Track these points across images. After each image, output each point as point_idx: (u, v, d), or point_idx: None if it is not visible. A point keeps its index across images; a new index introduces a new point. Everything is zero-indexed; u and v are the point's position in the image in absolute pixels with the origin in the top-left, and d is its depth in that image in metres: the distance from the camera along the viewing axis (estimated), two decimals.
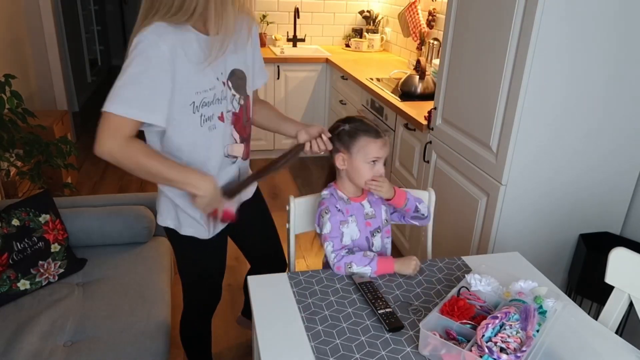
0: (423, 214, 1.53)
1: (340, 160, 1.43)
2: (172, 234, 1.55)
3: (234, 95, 1.43)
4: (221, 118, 1.40)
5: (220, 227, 1.56)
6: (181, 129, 1.34)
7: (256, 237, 1.80)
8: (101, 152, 1.26)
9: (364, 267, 1.37)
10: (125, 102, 1.22)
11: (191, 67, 1.29)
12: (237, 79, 1.43)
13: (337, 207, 1.44)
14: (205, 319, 1.82)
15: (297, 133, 1.51)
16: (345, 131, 1.42)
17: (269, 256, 1.85)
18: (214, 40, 1.30)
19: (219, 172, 1.45)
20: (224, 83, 1.38)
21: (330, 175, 1.53)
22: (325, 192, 1.48)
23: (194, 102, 1.32)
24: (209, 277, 1.67)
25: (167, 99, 1.27)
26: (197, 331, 1.85)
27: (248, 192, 1.65)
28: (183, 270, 1.67)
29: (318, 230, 1.48)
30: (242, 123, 1.48)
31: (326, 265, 1.56)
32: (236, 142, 1.48)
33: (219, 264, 1.67)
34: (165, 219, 1.52)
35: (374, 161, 1.40)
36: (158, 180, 1.36)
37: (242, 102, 1.46)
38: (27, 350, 1.52)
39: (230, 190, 1.44)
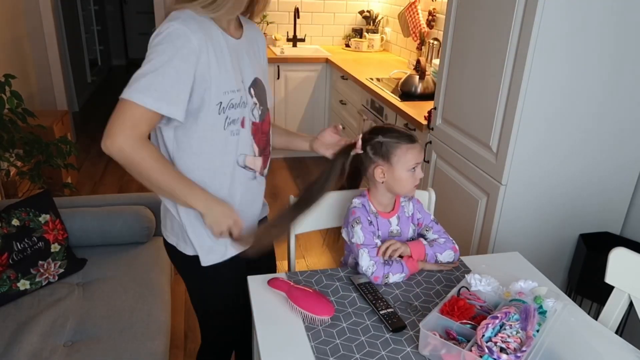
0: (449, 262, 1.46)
1: (379, 173, 1.38)
2: (177, 255, 1.38)
3: (255, 104, 1.33)
4: (242, 124, 1.29)
5: (233, 251, 1.38)
6: (205, 129, 1.24)
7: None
8: (110, 147, 1.11)
9: (400, 275, 1.35)
10: (145, 90, 1.11)
11: (219, 65, 1.21)
12: (258, 88, 1.35)
13: (368, 220, 1.41)
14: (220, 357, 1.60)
15: (310, 145, 1.47)
16: (381, 143, 1.37)
17: None
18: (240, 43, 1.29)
19: (232, 184, 1.32)
20: (244, 89, 1.29)
21: (350, 179, 1.50)
22: (357, 201, 1.43)
23: (221, 102, 1.22)
24: (223, 309, 1.46)
25: (188, 93, 1.17)
26: None
27: (263, 210, 1.53)
28: (206, 308, 1.48)
29: (345, 235, 1.45)
30: (259, 135, 1.36)
31: (343, 264, 1.55)
32: (255, 155, 1.36)
33: (229, 293, 1.44)
34: (170, 236, 1.38)
35: (414, 168, 1.37)
36: (162, 193, 1.25)
37: (261, 113, 1.35)
38: (27, 350, 1.52)
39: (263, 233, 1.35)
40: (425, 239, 1.47)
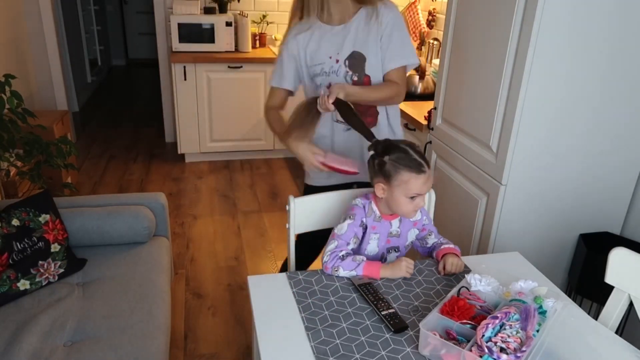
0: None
1: (380, 190, 1.38)
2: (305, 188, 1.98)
3: (348, 72, 1.73)
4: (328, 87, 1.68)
5: (318, 178, 1.87)
6: (308, 90, 1.82)
7: None
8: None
9: (350, 272, 1.37)
10: (272, 76, 1.85)
11: (309, 47, 1.74)
12: (354, 60, 1.72)
13: (362, 220, 1.43)
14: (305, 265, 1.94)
15: None
16: (386, 163, 1.35)
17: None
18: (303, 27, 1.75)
19: (332, 136, 1.80)
20: (337, 60, 1.72)
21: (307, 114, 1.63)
22: (359, 202, 1.45)
23: (309, 73, 1.77)
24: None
25: (292, 71, 1.79)
26: None
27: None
28: None
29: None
30: None
31: None
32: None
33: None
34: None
35: (413, 197, 1.35)
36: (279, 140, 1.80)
37: (355, 78, 1.73)
38: (27, 350, 1.52)
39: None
40: (426, 243, 1.54)
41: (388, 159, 1.35)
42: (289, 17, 1.81)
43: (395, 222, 1.47)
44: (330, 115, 1.74)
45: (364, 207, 1.44)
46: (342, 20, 1.73)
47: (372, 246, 1.46)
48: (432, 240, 1.53)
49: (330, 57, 1.72)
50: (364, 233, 1.44)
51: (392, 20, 1.72)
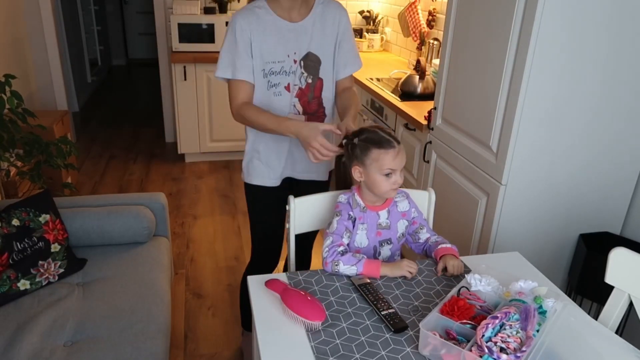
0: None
1: (357, 174, 1.43)
2: (245, 186, 1.87)
3: (303, 74, 1.68)
4: (287, 88, 1.68)
5: (279, 177, 1.80)
6: (257, 88, 1.66)
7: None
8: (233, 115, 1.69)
9: (350, 267, 1.37)
10: (220, 67, 1.65)
11: (265, 41, 1.62)
12: (309, 61, 1.68)
13: (349, 214, 1.45)
14: (266, 271, 1.87)
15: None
16: (356, 145, 1.41)
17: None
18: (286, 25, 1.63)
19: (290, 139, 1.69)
20: (295, 61, 1.66)
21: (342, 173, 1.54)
22: (343, 197, 1.49)
23: (264, 70, 1.64)
24: (266, 223, 1.89)
25: (249, 59, 1.62)
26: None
27: (320, 174, 1.86)
28: (251, 218, 1.92)
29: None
30: (307, 99, 1.72)
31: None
32: (298, 114, 1.71)
33: (277, 213, 1.85)
34: (243, 175, 1.86)
35: (388, 173, 1.39)
36: (264, 130, 1.64)
37: (309, 80, 1.70)
38: (27, 350, 1.52)
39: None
40: (418, 238, 1.53)
41: (357, 140, 1.42)
42: None
43: (383, 213, 1.48)
44: (285, 115, 1.67)
45: (348, 201, 1.47)
46: (297, 17, 1.66)
47: (361, 237, 1.46)
48: (424, 235, 1.53)
49: (289, 56, 1.65)
50: (354, 226, 1.46)
51: (347, 24, 1.73)
